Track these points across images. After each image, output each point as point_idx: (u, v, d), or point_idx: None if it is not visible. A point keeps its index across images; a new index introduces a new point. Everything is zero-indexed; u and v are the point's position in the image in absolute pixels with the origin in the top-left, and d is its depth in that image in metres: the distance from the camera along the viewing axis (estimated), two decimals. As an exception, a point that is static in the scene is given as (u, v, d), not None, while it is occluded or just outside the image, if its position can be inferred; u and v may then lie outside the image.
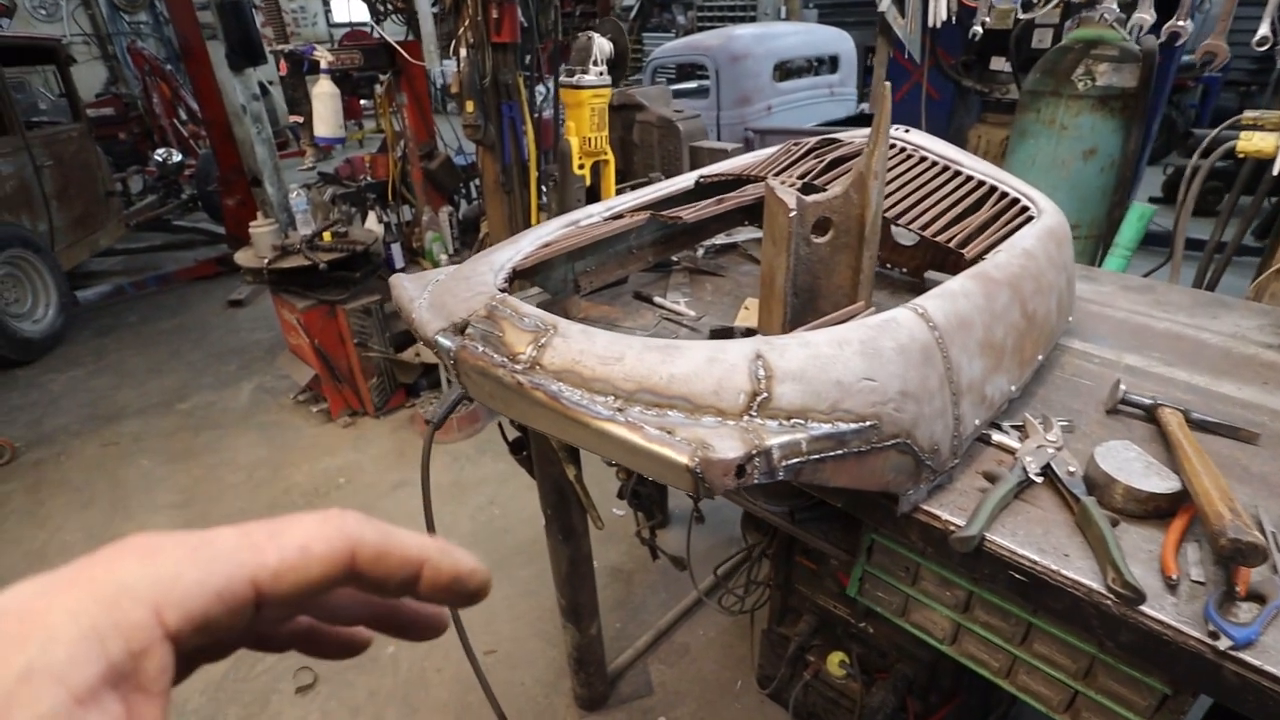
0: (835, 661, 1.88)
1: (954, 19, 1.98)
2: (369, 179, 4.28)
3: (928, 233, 1.22)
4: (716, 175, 1.49)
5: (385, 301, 3.80)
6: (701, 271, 1.74)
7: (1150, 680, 0.88)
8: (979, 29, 2.01)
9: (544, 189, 3.92)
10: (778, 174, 1.41)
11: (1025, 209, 1.32)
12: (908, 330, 0.88)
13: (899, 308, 0.93)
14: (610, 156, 1.71)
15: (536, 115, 3.92)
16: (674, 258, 1.76)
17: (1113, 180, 2.20)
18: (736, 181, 1.52)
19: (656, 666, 2.47)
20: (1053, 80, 2.20)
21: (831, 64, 6.83)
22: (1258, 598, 0.80)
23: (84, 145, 5.85)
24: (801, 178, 1.34)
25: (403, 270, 4.00)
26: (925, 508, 0.95)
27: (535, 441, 1.80)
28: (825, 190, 1.39)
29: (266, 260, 3.44)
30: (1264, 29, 1.52)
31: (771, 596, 2.02)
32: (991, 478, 0.98)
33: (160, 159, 7.25)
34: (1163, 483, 0.92)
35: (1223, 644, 0.76)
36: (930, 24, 1.99)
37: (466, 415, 3.73)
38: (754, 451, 0.71)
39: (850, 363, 0.81)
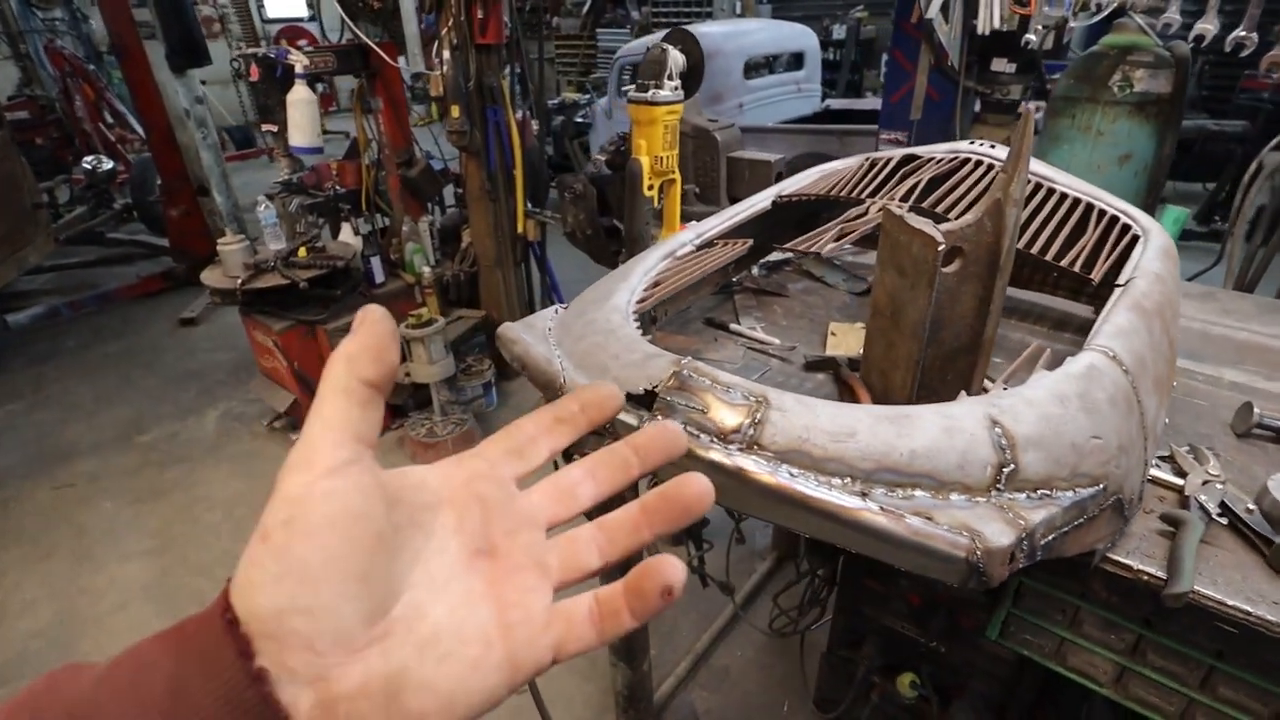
0: (905, 682, 1.84)
1: (1004, 26, 1.96)
2: (338, 187, 4.04)
3: (1048, 257, 1.17)
4: (796, 195, 1.41)
5: (369, 319, 3.59)
6: (765, 292, 1.66)
7: (1354, 725, 0.85)
8: (1032, 37, 1.99)
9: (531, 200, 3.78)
10: (872, 194, 1.34)
11: (1128, 227, 1.29)
12: (1110, 378, 0.82)
13: (1087, 351, 0.86)
14: (678, 176, 1.61)
15: (520, 117, 3.78)
16: (734, 278, 1.68)
17: (1145, 184, 2.24)
18: (819, 202, 1.45)
19: (699, 693, 2.39)
20: (1089, 86, 2.21)
21: (797, 60, 6.85)
22: None
23: (6, 154, 5.35)
24: (906, 200, 1.28)
25: (383, 285, 3.80)
26: (1113, 556, 0.89)
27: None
28: (936, 214, 1.33)
29: (240, 280, 3.19)
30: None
31: (834, 619, 1.97)
32: (1173, 520, 0.93)
33: (89, 167, 6.72)
34: (1350, 519, 0.89)
35: None
36: (980, 30, 1.96)
37: (460, 436, 3.56)
38: (1023, 535, 0.63)
39: (1077, 421, 0.74)
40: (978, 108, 3.20)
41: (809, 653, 2.27)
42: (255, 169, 10.26)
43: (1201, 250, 4.33)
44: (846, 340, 1.43)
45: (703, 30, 6.65)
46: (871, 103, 7.90)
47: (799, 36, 6.85)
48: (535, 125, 4.34)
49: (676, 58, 1.55)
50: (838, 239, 1.16)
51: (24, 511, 3.38)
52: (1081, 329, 1.46)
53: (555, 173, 6.85)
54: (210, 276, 3.30)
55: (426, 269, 3.79)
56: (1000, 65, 2.87)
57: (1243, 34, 1.65)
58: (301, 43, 9.72)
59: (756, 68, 6.54)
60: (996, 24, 1.93)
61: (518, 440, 0.41)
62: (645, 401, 0.74)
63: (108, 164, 6.85)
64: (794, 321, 1.55)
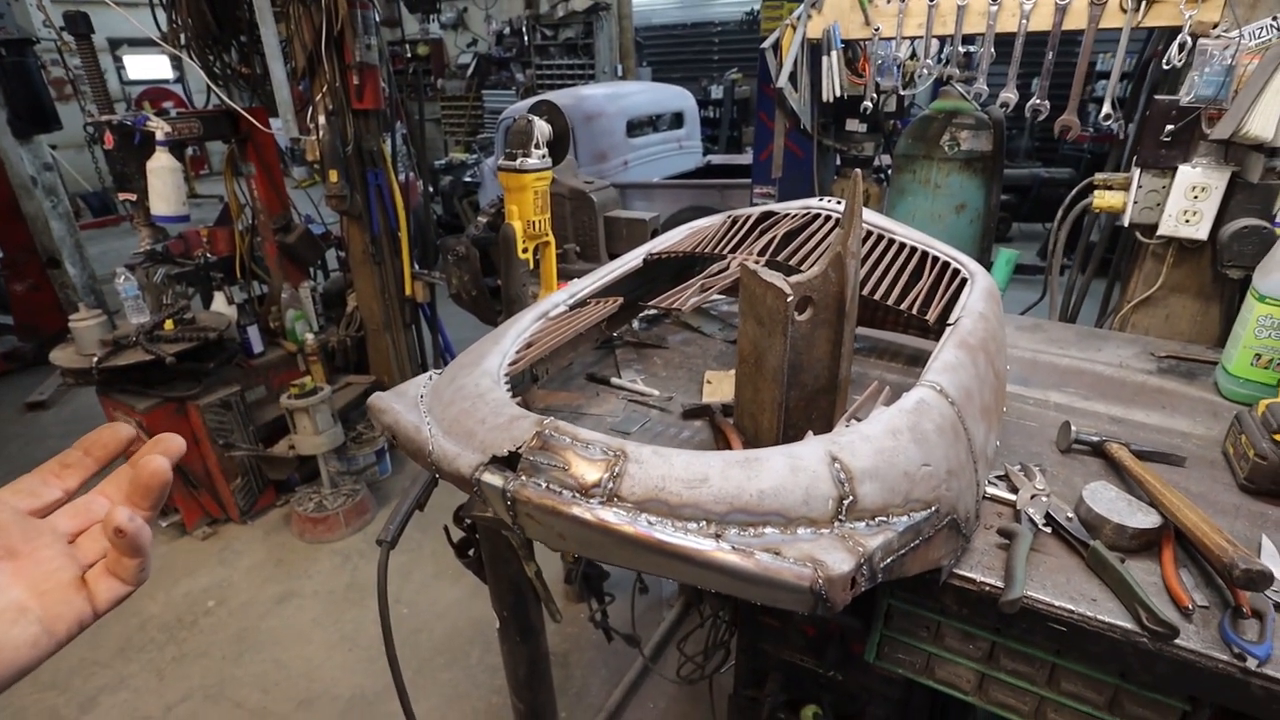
0: (809, 715, 1.88)
1: (845, 95, 2.17)
2: (209, 255, 3.83)
3: (890, 301, 1.29)
4: (665, 252, 1.49)
5: (246, 391, 3.40)
6: (645, 345, 1.72)
7: (1171, 700, 0.96)
8: (868, 104, 2.22)
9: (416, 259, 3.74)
10: (733, 249, 1.44)
11: (958, 271, 1.44)
12: (938, 410, 0.91)
13: (919, 387, 0.96)
14: (552, 239, 1.66)
15: (403, 178, 3.77)
16: (614, 333, 1.74)
17: (980, 230, 2.51)
18: (687, 258, 1.53)
19: (614, 753, 2.34)
20: (923, 145, 2.48)
21: (677, 119, 7.22)
22: (1257, 615, 0.90)
23: None
24: (763, 254, 1.38)
25: (262, 354, 3.61)
26: (958, 571, 0.98)
27: (487, 541, 1.66)
28: (789, 266, 1.44)
29: (96, 358, 2.95)
30: (1106, 108, 1.82)
31: (737, 660, 2.00)
32: (1007, 534, 1.03)
33: (-86, 240, 6.04)
34: (1146, 518, 1.02)
35: (1251, 663, 0.84)
36: (825, 98, 2.16)
37: (353, 507, 3.40)
38: (861, 560, 0.69)
39: (908, 451, 0.82)
40: (839, 162, 3.49)
41: (718, 696, 2.29)
42: (115, 236, 9.56)
43: (1039, 283, 4.85)
44: (721, 387, 1.50)
45: (586, 93, 6.92)
46: (750, 157, 8.42)
47: (677, 97, 7.24)
48: (420, 186, 4.34)
49: (542, 128, 1.62)
50: (700, 293, 1.23)
51: None
52: (931, 363, 1.61)
53: (445, 232, 6.82)
54: (60, 356, 3.03)
55: (310, 336, 3.64)
56: (853, 125, 3.15)
57: (1037, 103, 1.93)
58: (166, 104, 9.29)
59: (639, 126, 6.84)
60: (838, 92, 2.15)
61: (30, 485, 0.55)
62: (510, 462, 0.75)
63: (-63, 237, 6.18)
64: (673, 372, 1.61)
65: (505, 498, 0.72)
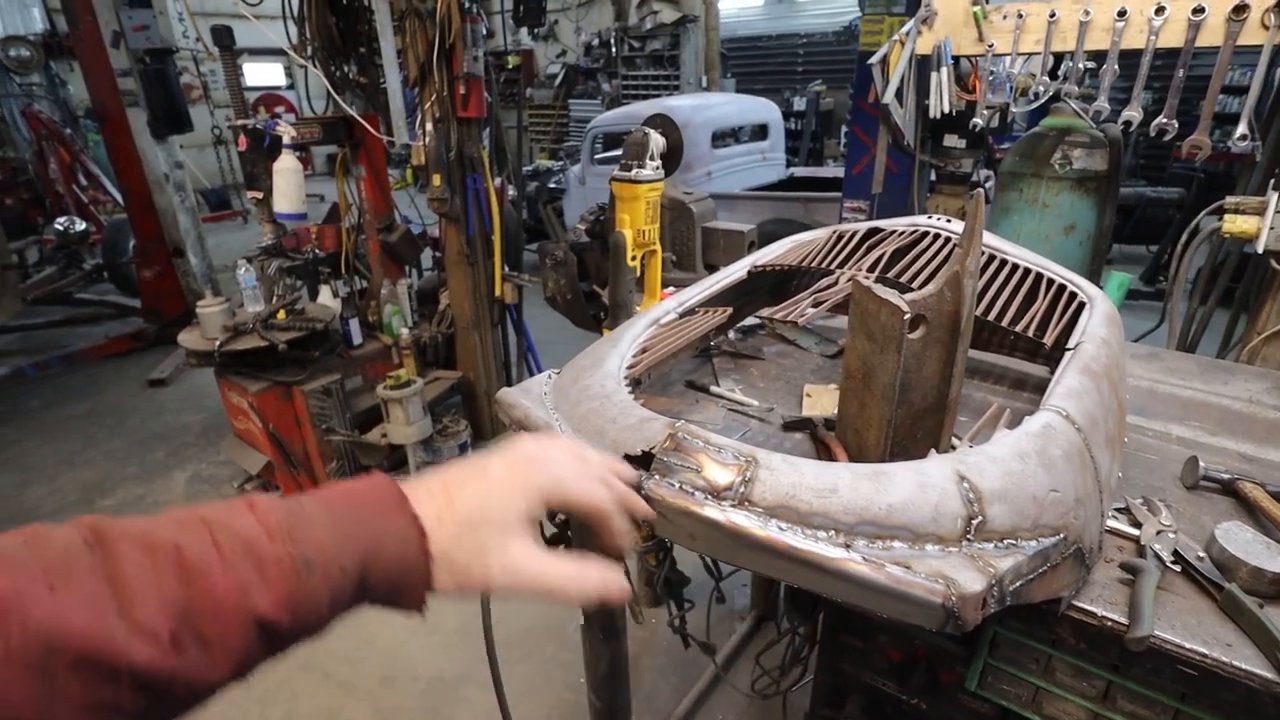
0: (888, 742, 1.84)
1: (954, 111, 2.13)
2: (317, 251, 4.09)
3: (1005, 323, 1.26)
4: (770, 265, 1.51)
5: (345, 380, 3.60)
6: (742, 355, 1.74)
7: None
8: (979, 120, 2.17)
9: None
10: (840, 264, 1.44)
11: (1075, 295, 1.40)
12: (1065, 436, 0.89)
13: (1044, 411, 0.94)
14: (659, 248, 1.71)
15: (498, 184, 3.91)
16: (712, 342, 1.76)
17: (1089, 252, 2.41)
18: (791, 272, 1.55)
19: (682, 760, 2.35)
20: (1033, 163, 2.41)
21: (763, 131, 7.20)
22: None
23: (-22, 217, 5.33)
24: (873, 270, 1.38)
25: (360, 346, 3.82)
26: (1078, 604, 0.95)
27: (579, 539, 1.71)
28: (899, 283, 1.43)
29: (218, 342, 3.19)
30: (1241, 127, 1.72)
31: (815, 678, 1.98)
32: (1131, 569, 0.99)
33: (61, 228, 6.70)
34: (1288, 563, 0.97)
35: None
36: (933, 115, 2.14)
37: (438, 496, 3.53)
38: (993, 581, 0.69)
39: (1036, 476, 0.81)
40: (933, 178, 3.41)
41: (792, 714, 2.27)
42: (229, 230, 10.30)
43: (1148, 309, 4.58)
44: (821, 401, 1.50)
45: (673, 104, 6.99)
46: (832, 171, 8.30)
47: (763, 109, 7.22)
48: (512, 191, 4.49)
49: (657, 140, 1.67)
50: (813, 307, 1.24)
51: (-26, 583, 3.23)
52: (1038, 388, 1.55)
53: (530, 236, 7.02)
54: (188, 338, 3.29)
55: (404, 331, 3.82)
56: (951, 141, 3.08)
57: (1164, 121, 1.84)
58: (279, 109, 9.97)
59: (723, 137, 6.86)
60: (946, 108, 2.11)
61: None
62: (643, 461, 0.79)
63: (80, 225, 6.83)
64: (770, 383, 1.62)
65: (639, 496, 0.76)
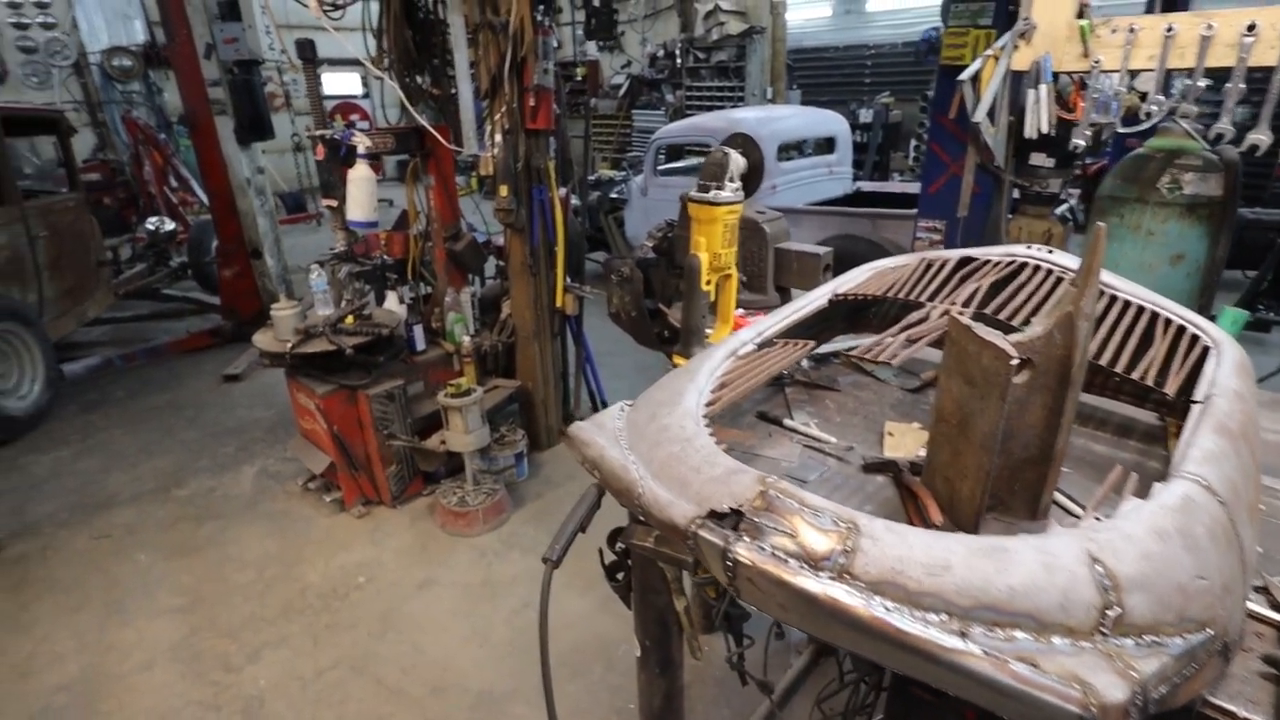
0: (959, 805, 1.72)
1: (1053, 131, 2.00)
2: (385, 257, 4.17)
3: (1118, 368, 1.15)
4: (853, 295, 1.43)
5: (408, 385, 3.65)
6: (816, 386, 1.65)
7: None
8: (1080, 142, 2.03)
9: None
10: (931, 297, 1.35)
11: (1197, 338, 1.27)
12: (1208, 511, 0.79)
13: (1179, 480, 0.84)
14: (734, 272, 1.66)
15: (563, 194, 3.91)
16: (783, 370, 1.68)
17: (1198, 284, 2.23)
18: (873, 301, 1.46)
19: (733, 799, 2.26)
20: (1136, 188, 2.25)
21: (829, 144, 7.05)
22: None
23: (80, 215, 5.67)
24: (967, 305, 1.28)
25: (423, 352, 3.87)
26: (1214, 701, 0.84)
27: (638, 569, 1.65)
28: (997, 320, 1.33)
29: (290, 344, 3.28)
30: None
31: (881, 730, 1.87)
32: (1275, 662, 0.88)
33: (152, 227, 7.08)
34: None
35: None
36: (1028, 134, 2.01)
37: (491, 506, 3.54)
38: (1137, 689, 0.60)
39: (1180, 560, 0.71)
40: (1016, 197, 3.24)
41: (852, 761, 2.15)
42: (302, 233, 10.70)
43: (1246, 340, 4.24)
44: (904, 441, 1.41)
45: (738, 116, 6.91)
46: (900, 186, 8.06)
47: (830, 122, 7.07)
48: (575, 201, 4.50)
49: (737, 160, 1.61)
50: (906, 346, 1.16)
51: (60, 560, 3.40)
52: (1147, 436, 1.42)
53: (590, 246, 7.04)
54: (262, 339, 3.40)
55: (466, 338, 3.86)
56: (1039, 160, 2.91)
57: (1259, 137, 1.68)
58: (354, 117, 10.30)
59: (788, 149, 6.74)
60: (1044, 128, 1.98)
61: None
62: (731, 520, 0.73)
63: (169, 225, 7.21)
64: (847, 418, 1.53)
65: (726, 558, 0.70)
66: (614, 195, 7.72)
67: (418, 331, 3.78)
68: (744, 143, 1.79)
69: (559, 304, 3.95)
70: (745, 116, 6.81)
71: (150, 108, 9.89)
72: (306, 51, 3.26)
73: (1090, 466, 1.36)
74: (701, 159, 7.18)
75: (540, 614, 1.45)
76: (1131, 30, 1.78)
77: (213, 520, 3.69)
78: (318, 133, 3.20)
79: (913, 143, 10.74)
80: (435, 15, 3.69)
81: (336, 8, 3.37)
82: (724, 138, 5.93)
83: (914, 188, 7.23)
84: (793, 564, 0.67)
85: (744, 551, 0.69)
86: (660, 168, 6.99)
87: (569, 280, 3.93)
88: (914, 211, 4.93)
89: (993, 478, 1.12)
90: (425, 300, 4.31)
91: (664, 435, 0.89)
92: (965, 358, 1.11)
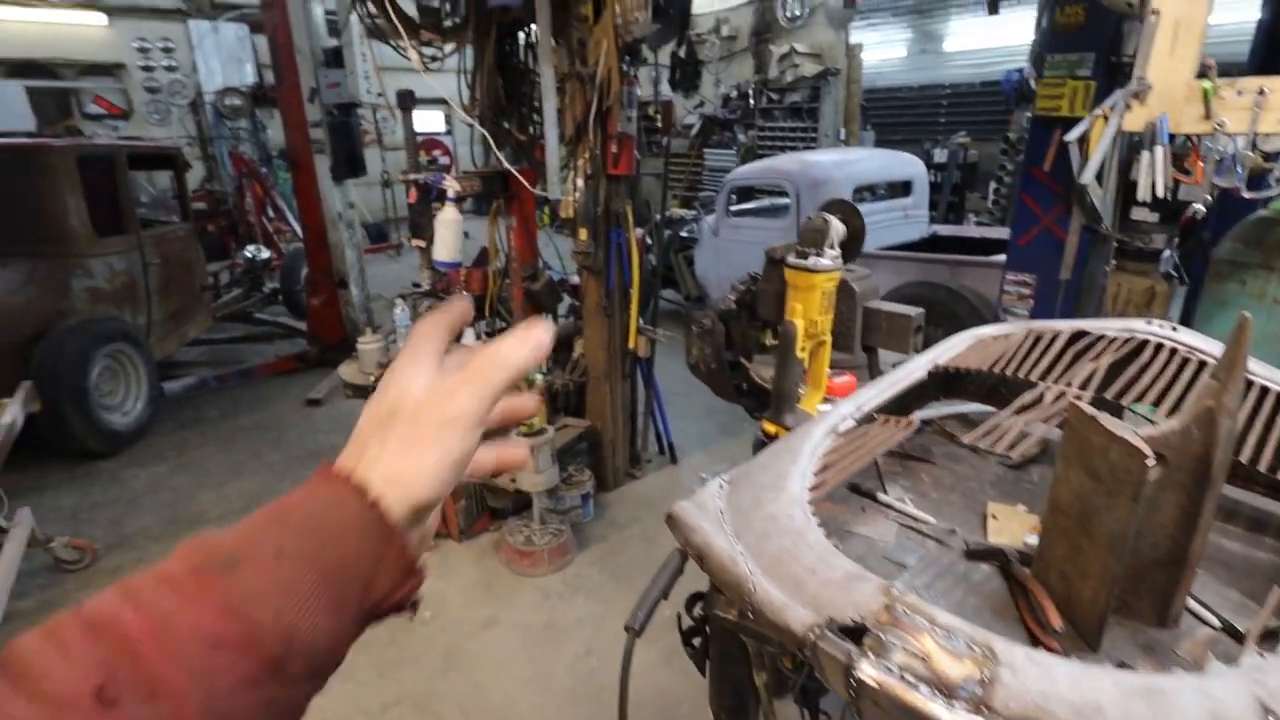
0: None
1: (1169, 195, 1.91)
2: (465, 293, 4.30)
3: (1261, 467, 1.06)
4: (956, 369, 1.37)
5: (482, 421, 3.71)
6: (909, 456, 1.59)
7: None
8: (1200, 207, 1.93)
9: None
10: (1043, 375, 1.28)
11: (1349, 433, 1.16)
12: (1393, 653, 0.70)
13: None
14: (829, 339, 1.63)
15: (639, 236, 3.96)
16: (876, 437, 1.63)
17: (1334, 361, 2.05)
18: (973, 374, 1.40)
19: None
20: (1259, 253, 2.11)
21: (905, 187, 6.93)
22: None
23: (189, 244, 6.10)
24: (1084, 387, 1.21)
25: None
26: None
27: (717, 638, 1.61)
28: (1117, 405, 1.26)
29: (373, 377, 3.40)
30: None
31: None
32: None
33: (250, 255, 7.54)
34: None
35: None
36: (1142, 198, 1.92)
37: (557, 547, 3.54)
38: None
39: (1366, 713, 0.63)
40: (1116, 252, 3.09)
41: None
42: (383, 262, 11.19)
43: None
44: (1010, 526, 1.33)
45: (812, 159, 6.89)
46: (979, 230, 7.83)
47: (907, 165, 6.96)
48: (649, 241, 4.55)
49: (837, 227, 1.59)
50: (1020, 439, 1.10)
51: (149, 578, 3.58)
52: (1283, 533, 1.30)
53: (660, 284, 7.09)
54: (348, 371, 3.54)
55: (539, 377, 3.92)
56: (1141, 214, 2.77)
57: None
58: (436, 153, 10.79)
59: (861, 191, 6.66)
60: (1161, 192, 1.88)
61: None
62: (853, 633, 0.69)
63: (265, 253, 7.66)
64: (944, 494, 1.46)
65: (849, 676, 0.66)
66: (684, 234, 7.77)
67: (493, 368, 3.85)
68: (843, 209, 1.77)
69: (632, 345, 3.97)
70: (820, 159, 6.78)
71: (254, 143, 10.63)
72: (406, 101, 3.44)
73: (1222, 566, 1.25)
74: (773, 200, 7.19)
75: (620, 686, 1.42)
76: (1261, 93, 1.68)
77: (291, 543, 3.82)
78: (411, 177, 3.36)
79: (991, 184, 10.44)
80: (525, 65, 3.84)
81: (435, 59, 3.55)
82: (803, 180, 5.93)
83: (994, 232, 7.00)
84: (924, 690, 0.63)
85: (871, 672, 0.65)
86: (732, 208, 7.01)
87: (642, 322, 3.96)
88: (996, 259, 4.78)
89: (1119, 581, 1.04)
90: (501, 335, 4.42)
91: (772, 526, 0.86)
92: (1088, 449, 1.05)
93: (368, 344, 3.49)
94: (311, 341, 6.50)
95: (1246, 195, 1.82)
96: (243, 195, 9.12)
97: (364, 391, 3.45)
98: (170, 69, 11.15)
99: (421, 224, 3.37)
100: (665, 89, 13.02)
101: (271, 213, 9.12)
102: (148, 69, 11.06)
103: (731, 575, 0.83)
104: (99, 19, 10.70)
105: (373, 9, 3.51)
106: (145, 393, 5.09)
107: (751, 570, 0.80)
